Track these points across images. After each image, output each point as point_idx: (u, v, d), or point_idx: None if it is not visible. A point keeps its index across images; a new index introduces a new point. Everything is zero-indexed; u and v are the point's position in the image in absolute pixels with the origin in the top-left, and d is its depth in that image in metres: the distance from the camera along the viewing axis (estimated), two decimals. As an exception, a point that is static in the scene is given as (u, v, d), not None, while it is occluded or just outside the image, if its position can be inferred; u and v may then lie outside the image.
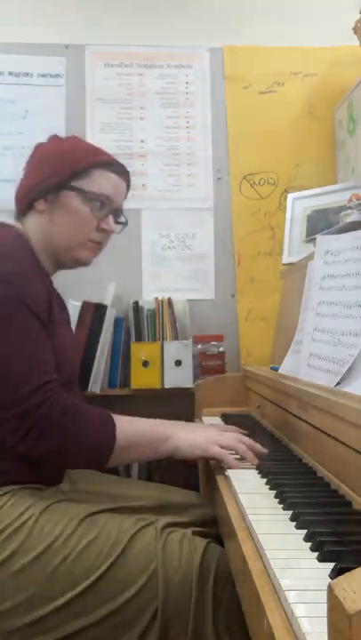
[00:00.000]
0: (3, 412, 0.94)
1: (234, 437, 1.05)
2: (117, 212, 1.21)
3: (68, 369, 1.10)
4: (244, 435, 1.09)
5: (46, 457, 0.96)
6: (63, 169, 1.13)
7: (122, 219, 1.23)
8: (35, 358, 0.97)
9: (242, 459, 1.03)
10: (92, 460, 1.00)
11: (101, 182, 1.15)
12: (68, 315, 1.27)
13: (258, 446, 1.05)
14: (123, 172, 1.20)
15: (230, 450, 1.03)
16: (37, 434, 0.93)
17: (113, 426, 0.99)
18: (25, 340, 0.97)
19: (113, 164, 1.18)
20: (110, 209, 1.18)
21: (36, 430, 0.93)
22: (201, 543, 0.93)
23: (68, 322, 1.26)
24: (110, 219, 1.18)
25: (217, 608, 0.88)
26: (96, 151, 1.18)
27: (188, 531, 0.96)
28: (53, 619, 0.84)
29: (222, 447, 1.03)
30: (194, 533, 0.96)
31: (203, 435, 1.05)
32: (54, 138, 1.21)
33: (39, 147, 1.20)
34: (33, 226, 1.15)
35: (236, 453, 1.03)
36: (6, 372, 0.95)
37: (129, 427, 1.01)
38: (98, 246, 1.20)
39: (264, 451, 1.05)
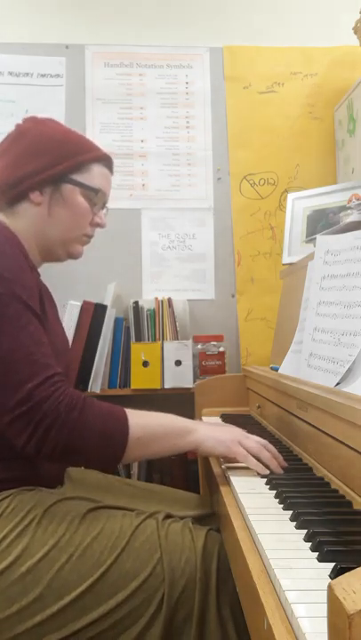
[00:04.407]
0: (8, 415, 0.89)
1: (258, 442, 1.00)
2: (104, 205, 1.22)
3: (62, 366, 1.06)
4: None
5: (57, 454, 0.90)
6: (64, 161, 1.11)
7: (105, 210, 1.23)
8: (36, 353, 0.93)
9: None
10: (106, 454, 0.93)
11: (99, 177, 1.16)
12: (57, 311, 1.23)
13: (280, 457, 1.00)
14: (112, 166, 1.21)
15: (254, 454, 0.98)
16: (45, 430, 0.88)
17: (125, 416, 0.95)
18: (24, 336, 0.93)
19: (107, 158, 1.19)
20: (103, 203, 1.19)
21: (43, 427, 0.88)
22: (202, 531, 0.93)
23: (59, 318, 1.23)
24: (102, 213, 1.20)
25: (221, 592, 0.88)
26: (93, 145, 1.18)
27: (188, 520, 0.96)
28: (62, 616, 0.84)
29: (245, 449, 0.99)
30: (193, 523, 0.96)
31: (228, 433, 1.02)
32: (38, 121, 1.15)
33: (25, 132, 1.12)
34: (25, 218, 1.10)
35: (260, 460, 0.98)
36: (9, 371, 0.91)
37: (144, 418, 0.98)
38: (89, 240, 1.20)
39: (284, 463, 0.99)
